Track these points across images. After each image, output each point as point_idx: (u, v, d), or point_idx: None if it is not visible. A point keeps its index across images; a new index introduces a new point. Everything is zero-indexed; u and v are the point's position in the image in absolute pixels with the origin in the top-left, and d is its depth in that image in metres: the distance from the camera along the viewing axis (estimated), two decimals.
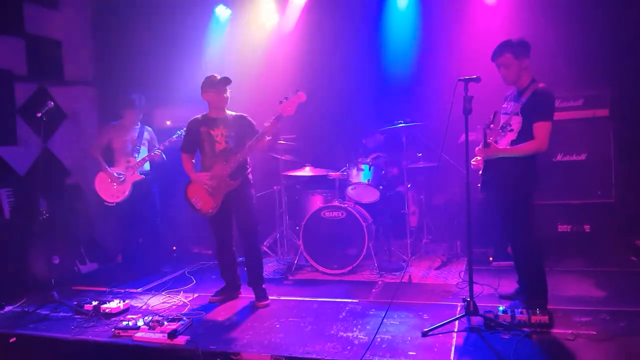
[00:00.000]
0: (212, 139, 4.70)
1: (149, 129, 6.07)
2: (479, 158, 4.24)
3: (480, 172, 4.21)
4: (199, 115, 4.83)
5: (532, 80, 4.05)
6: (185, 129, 5.70)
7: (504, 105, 4.25)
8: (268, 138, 4.63)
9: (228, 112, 4.81)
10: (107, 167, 5.76)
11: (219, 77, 4.68)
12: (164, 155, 5.89)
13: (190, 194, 4.79)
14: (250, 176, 4.86)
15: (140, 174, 5.83)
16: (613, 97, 5.63)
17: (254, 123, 4.77)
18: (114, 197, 5.75)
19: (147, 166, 5.92)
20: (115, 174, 5.73)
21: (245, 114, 4.84)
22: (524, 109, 3.96)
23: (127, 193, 5.75)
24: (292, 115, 4.52)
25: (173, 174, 6.20)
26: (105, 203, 5.77)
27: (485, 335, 3.77)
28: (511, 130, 4.00)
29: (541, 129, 3.90)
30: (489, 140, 3.95)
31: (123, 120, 5.92)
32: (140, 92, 6.03)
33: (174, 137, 5.81)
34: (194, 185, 4.77)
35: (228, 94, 4.72)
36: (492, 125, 3.94)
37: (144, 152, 5.93)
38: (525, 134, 3.96)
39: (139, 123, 5.99)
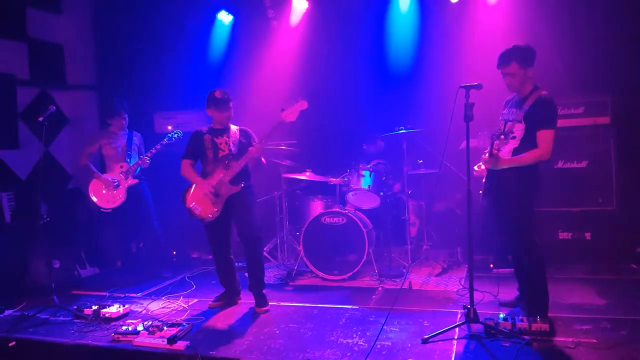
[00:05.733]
0: (216, 147, 4.72)
1: (138, 134, 6.09)
2: (482, 166, 4.23)
3: (484, 180, 4.21)
4: (203, 127, 4.86)
5: (535, 87, 4.05)
6: (178, 133, 5.82)
7: (504, 112, 4.24)
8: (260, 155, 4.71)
9: (232, 126, 4.83)
10: (99, 173, 5.77)
11: (220, 96, 4.66)
12: (148, 161, 5.88)
13: (190, 200, 4.76)
14: (251, 182, 4.87)
15: (134, 177, 5.84)
16: (614, 105, 5.63)
17: (255, 137, 4.82)
18: (110, 203, 5.74)
19: (137, 170, 5.91)
20: (110, 180, 5.73)
21: (248, 129, 4.89)
22: (527, 116, 3.95)
23: (122, 198, 5.74)
24: (294, 121, 4.55)
25: (164, 179, 6.21)
26: (101, 209, 5.77)
27: (485, 342, 3.76)
28: (513, 138, 3.99)
29: (545, 137, 3.89)
30: (494, 151, 3.94)
31: (111, 127, 5.94)
32: (122, 95, 6.05)
33: (165, 140, 5.82)
34: (194, 191, 4.77)
35: (230, 112, 4.74)
36: (502, 136, 3.91)
37: (134, 157, 5.94)
38: (528, 142, 3.95)
39: (127, 129, 6.00)
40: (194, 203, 4.74)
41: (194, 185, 4.79)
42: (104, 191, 5.75)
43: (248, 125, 4.97)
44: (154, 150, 5.85)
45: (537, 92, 4.00)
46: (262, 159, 4.82)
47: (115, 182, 5.73)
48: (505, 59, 4.02)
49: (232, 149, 4.71)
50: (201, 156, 4.82)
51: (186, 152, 4.87)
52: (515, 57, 3.98)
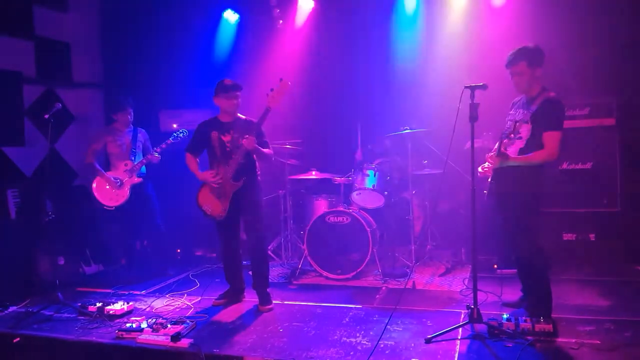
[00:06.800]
0: (223, 145, 4.71)
1: (142, 131, 6.09)
2: (486, 166, 4.23)
3: (489, 180, 4.21)
4: (209, 119, 4.84)
5: (543, 88, 4.05)
6: (184, 132, 5.81)
7: (511, 112, 4.25)
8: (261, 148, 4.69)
9: (239, 115, 4.82)
10: (103, 172, 5.78)
11: (230, 82, 4.70)
12: (158, 156, 5.88)
13: (202, 201, 4.79)
14: (259, 180, 4.88)
15: (138, 176, 5.85)
16: (619, 106, 5.63)
17: (264, 131, 4.79)
18: (113, 201, 5.76)
19: (143, 168, 5.93)
20: (112, 179, 5.75)
21: (254, 120, 4.84)
22: (534, 117, 3.95)
23: (126, 196, 5.76)
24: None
25: (169, 178, 6.22)
26: (105, 207, 5.78)
27: (488, 343, 3.76)
28: (519, 138, 3.99)
29: (552, 138, 3.90)
30: (502, 150, 3.94)
31: (116, 124, 5.94)
32: (127, 93, 6.06)
33: (170, 139, 5.82)
34: (203, 191, 4.78)
35: (239, 100, 4.74)
36: (511, 135, 3.91)
37: (139, 155, 5.95)
38: (533, 142, 3.96)
39: (132, 126, 6.01)
40: (205, 204, 4.77)
41: (204, 185, 4.80)
42: (107, 188, 5.76)
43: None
44: (163, 146, 5.84)
45: (545, 94, 4.00)
46: (264, 150, 4.73)
47: (118, 182, 5.74)
48: (514, 58, 4.03)
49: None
50: (209, 152, 4.83)
51: (190, 145, 4.88)
52: (524, 56, 3.99)
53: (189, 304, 4.96)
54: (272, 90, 4.55)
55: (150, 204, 5.98)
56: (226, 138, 4.71)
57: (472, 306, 3.94)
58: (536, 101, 4.00)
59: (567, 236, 5.75)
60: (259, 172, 4.88)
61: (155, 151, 5.82)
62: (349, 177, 5.96)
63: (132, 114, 5.94)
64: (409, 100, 6.50)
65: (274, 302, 4.81)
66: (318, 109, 6.89)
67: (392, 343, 3.83)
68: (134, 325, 4.16)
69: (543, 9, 5.89)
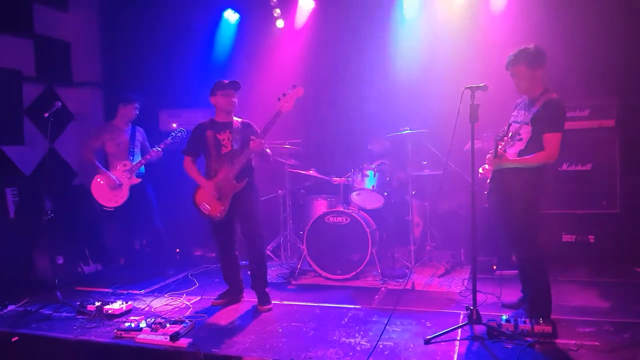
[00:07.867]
0: (218, 143, 4.71)
1: (141, 129, 6.07)
2: (486, 167, 4.23)
3: (488, 181, 4.20)
4: (206, 120, 4.84)
5: (545, 90, 4.02)
6: (182, 131, 5.81)
7: (514, 113, 4.23)
8: (265, 146, 4.69)
9: (235, 118, 4.82)
10: (104, 169, 5.76)
11: (228, 81, 4.71)
12: (160, 152, 5.87)
13: (199, 199, 4.77)
14: (255, 180, 4.87)
15: (137, 176, 5.84)
16: (619, 108, 5.62)
17: (259, 131, 4.79)
18: (112, 201, 5.75)
19: (142, 168, 5.92)
20: (113, 177, 5.72)
21: (251, 122, 4.86)
22: (535, 118, 3.94)
23: (125, 197, 5.75)
24: (291, 110, 4.57)
25: (167, 177, 6.21)
26: (104, 208, 5.77)
27: (488, 344, 3.76)
28: (520, 140, 3.98)
29: (551, 140, 3.89)
30: (499, 151, 3.94)
31: (115, 120, 5.91)
32: (141, 94, 6.05)
33: (169, 139, 5.81)
34: (202, 190, 4.78)
35: (236, 99, 4.73)
36: (505, 138, 3.91)
37: (137, 154, 5.93)
38: (533, 144, 3.95)
39: (130, 124, 5.99)
40: (203, 203, 4.76)
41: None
42: (106, 189, 5.75)
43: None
44: (162, 146, 5.83)
45: (547, 95, 3.98)
46: (267, 150, 4.77)
47: (117, 182, 5.73)
48: (513, 60, 4.01)
49: (235, 146, 4.71)
50: (204, 152, 4.82)
51: (187, 147, 4.87)
52: (523, 58, 3.97)
53: (188, 303, 4.95)
54: (284, 95, 4.55)
55: (149, 203, 5.98)
56: (222, 137, 4.70)
57: (472, 307, 3.94)
58: (538, 103, 3.99)
59: (567, 237, 5.74)
60: (255, 172, 4.89)
61: (159, 147, 5.80)
62: (348, 177, 5.95)
63: (138, 109, 5.93)
64: (409, 101, 6.49)
65: (272, 302, 4.81)
66: (318, 109, 6.88)
67: (391, 344, 3.83)
68: (133, 325, 4.15)
69: (543, 10, 5.88)
